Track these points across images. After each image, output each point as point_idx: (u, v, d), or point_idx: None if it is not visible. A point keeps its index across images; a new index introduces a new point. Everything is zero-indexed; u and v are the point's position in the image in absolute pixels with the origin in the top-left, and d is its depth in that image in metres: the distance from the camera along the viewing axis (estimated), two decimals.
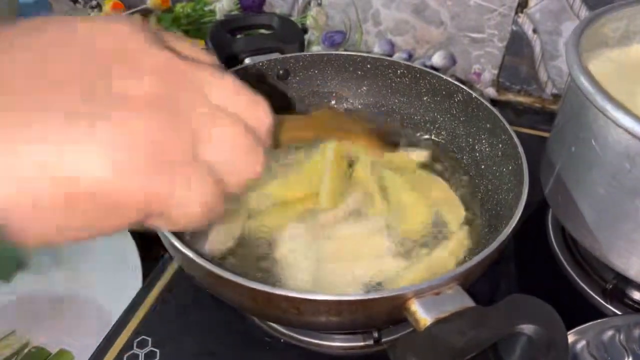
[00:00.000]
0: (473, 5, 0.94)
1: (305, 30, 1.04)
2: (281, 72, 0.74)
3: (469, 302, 0.43)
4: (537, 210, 0.74)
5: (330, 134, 0.60)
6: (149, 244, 0.71)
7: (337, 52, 0.75)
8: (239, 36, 0.77)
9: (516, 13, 0.93)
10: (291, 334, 0.60)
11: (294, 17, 1.07)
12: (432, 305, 0.43)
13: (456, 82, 0.69)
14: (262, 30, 0.80)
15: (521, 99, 1.01)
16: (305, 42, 1.02)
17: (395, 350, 0.39)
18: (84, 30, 0.27)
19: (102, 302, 0.68)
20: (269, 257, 0.58)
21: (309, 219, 0.61)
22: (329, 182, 0.63)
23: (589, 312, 0.62)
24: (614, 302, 0.63)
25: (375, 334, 0.57)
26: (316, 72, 0.75)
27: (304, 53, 0.74)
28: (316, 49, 1.03)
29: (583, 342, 0.55)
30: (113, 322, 0.62)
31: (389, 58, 0.74)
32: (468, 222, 0.61)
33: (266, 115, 0.33)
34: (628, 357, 0.53)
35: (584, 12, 0.88)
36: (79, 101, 0.25)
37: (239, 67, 0.71)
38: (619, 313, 0.62)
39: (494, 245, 0.47)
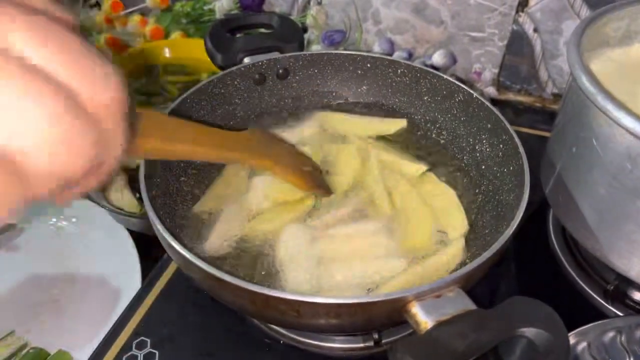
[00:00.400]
0: (473, 4, 0.94)
1: (304, 29, 1.04)
2: (281, 71, 0.73)
3: (470, 305, 0.43)
4: (537, 210, 0.74)
5: (250, 160, 0.55)
6: (148, 245, 0.71)
7: (336, 52, 0.75)
8: (238, 35, 0.77)
9: (517, 12, 0.93)
10: (291, 335, 0.59)
11: (294, 16, 1.06)
12: (433, 308, 0.42)
13: (457, 82, 0.68)
14: (262, 30, 0.80)
15: (521, 98, 1.01)
16: (305, 41, 1.02)
17: (396, 353, 0.39)
18: None
19: (101, 303, 0.68)
20: (269, 258, 0.57)
21: (310, 220, 0.60)
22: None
23: (590, 313, 0.62)
24: (615, 303, 0.63)
25: (376, 336, 0.57)
26: (316, 71, 0.75)
27: (304, 52, 0.74)
28: (316, 48, 1.03)
29: (584, 344, 0.55)
30: (112, 323, 0.61)
31: (389, 57, 0.74)
32: (469, 230, 0.61)
33: (114, 91, 0.25)
34: (629, 359, 0.53)
35: (584, 11, 0.88)
36: None
37: (238, 66, 0.70)
38: (620, 314, 0.62)
39: (495, 247, 0.47)
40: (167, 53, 1.06)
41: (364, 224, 0.60)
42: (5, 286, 0.70)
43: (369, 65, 0.74)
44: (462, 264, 0.57)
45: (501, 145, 0.62)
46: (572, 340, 0.55)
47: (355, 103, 0.77)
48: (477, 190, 0.65)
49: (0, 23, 0.22)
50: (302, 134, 0.71)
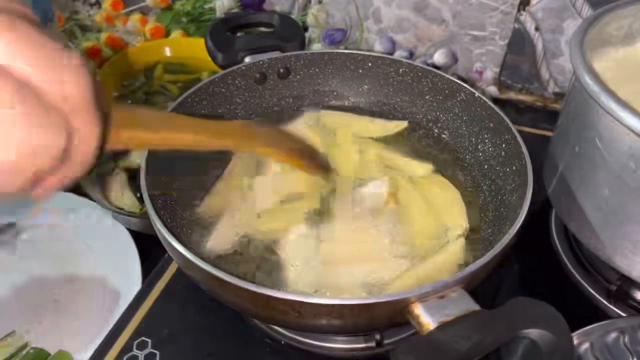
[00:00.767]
0: (475, 3, 0.93)
1: (305, 28, 1.04)
2: (282, 70, 0.73)
3: (473, 306, 0.42)
4: (539, 209, 0.73)
5: (246, 144, 0.53)
6: (149, 245, 0.70)
7: (338, 51, 0.75)
8: (239, 34, 0.77)
9: (518, 11, 0.92)
10: (292, 335, 0.59)
11: (294, 15, 1.06)
12: (436, 309, 0.42)
13: (459, 81, 0.68)
14: (263, 29, 0.80)
15: (523, 97, 1.01)
16: (306, 40, 1.02)
17: (398, 355, 0.39)
18: None
19: (101, 303, 0.67)
20: (272, 259, 0.57)
21: (313, 220, 0.60)
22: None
23: (592, 314, 0.62)
24: (618, 304, 0.63)
25: (378, 336, 0.56)
26: (317, 70, 0.75)
27: (305, 51, 0.74)
28: (317, 47, 1.02)
29: (587, 344, 0.54)
30: (113, 323, 0.61)
31: (390, 56, 0.73)
32: (470, 229, 0.61)
33: (77, 81, 0.24)
34: (632, 359, 0.53)
35: (586, 10, 0.87)
36: None
37: (239, 65, 0.70)
38: (623, 314, 0.62)
39: (498, 248, 0.46)
40: (167, 52, 1.05)
41: (366, 224, 0.60)
42: (5, 286, 0.70)
43: (370, 64, 0.74)
44: (464, 263, 0.57)
45: (504, 145, 0.62)
46: (575, 341, 0.54)
47: (357, 102, 0.76)
48: (479, 190, 0.64)
49: None
50: (301, 133, 0.71)
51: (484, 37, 0.97)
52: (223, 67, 0.70)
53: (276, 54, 0.72)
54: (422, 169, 0.67)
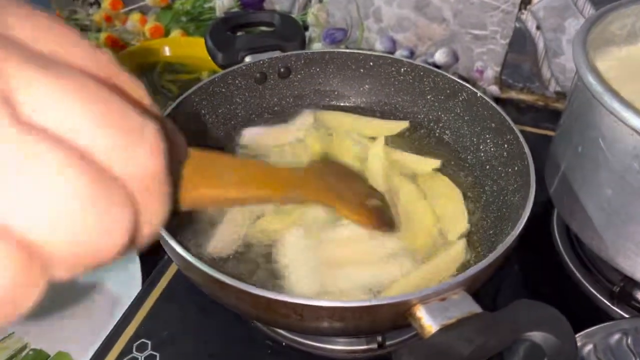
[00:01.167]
0: (476, 2, 0.93)
1: (306, 28, 1.03)
2: (282, 70, 0.72)
3: (475, 308, 0.42)
4: (542, 210, 0.73)
5: (311, 198, 0.46)
6: (149, 246, 0.70)
7: (338, 50, 0.74)
8: (239, 34, 0.76)
9: (519, 10, 0.92)
10: (293, 337, 0.59)
11: (295, 14, 1.06)
12: (438, 311, 0.42)
13: (460, 81, 0.68)
14: (263, 28, 0.79)
15: (524, 96, 1.00)
16: (306, 40, 1.01)
17: (400, 358, 0.38)
18: None
19: (101, 304, 0.67)
20: (273, 261, 0.57)
21: (313, 223, 0.60)
22: None
23: (595, 315, 0.62)
24: (621, 305, 0.62)
25: (379, 338, 0.56)
26: (318, 70, 0.74)
27: (305, 51, 0.73)
28: (317, 46, 1.02)
29: (590, 346, 0.54)
30: (112, 325, 0.61)
31: (391, 56, 0.73)
32: (472, 230, 0.60)
33: (153, 159, 0.19)
34: None
35: (588, 9, 0.87)
36: None
37: (239, 65, 0.70)
38: (627, 316, 0.61)
39: (501, 249, 0.46)
40: (167, 51, 1.05)
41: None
42: None
43: (371, 63, 0.73)
44: (466, 264, 0.56)
45: (506, 145, 0.62)
46: (577, 343, 0.54)
47: (358, 102, 0.76)
48: (481, 191, 0.64)
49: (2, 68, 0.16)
50: (301, 132, 0.71)
51: (485, 36, 0.96)
52: (223, 67, 0.70)
53: (276, 54, 0.72)
54: (430, 164, 0.67)
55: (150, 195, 0.20)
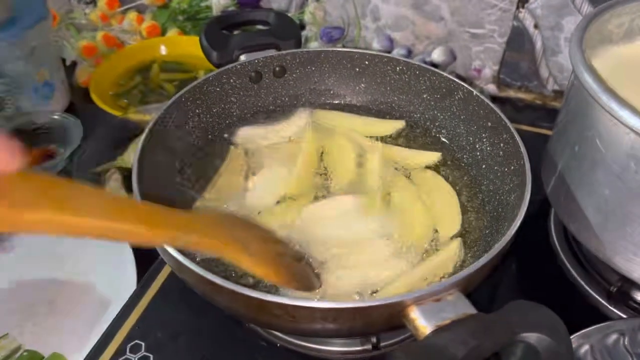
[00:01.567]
0: (473, 1, 0.92)
1: (303, 26, 1.03)
2: (277, 69, 0.72)
3: (470, 309, 0.42)
4: (539, 209, 0.72)
5: (205, 243, 0.44)
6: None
7: (334, 49, 0.74)
8: (236, 32, 0.76)
9: (517, 8, 0.91)
10: (288, 338, 0.58)
11: (292, 13, 1.05)
12: (432, 312, 0.41)
13: (456, 80, 0.67)
14: (260, 27, 0.79)
15: (522, 95, 1.00)
16: (303, 38, 1.01)
17: None
18: None
19: (96, 305, 0.67)
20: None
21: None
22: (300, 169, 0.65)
23: (592, 315, 0.61)
24: (618, 305, 0.62)
25: (374, 339, 0.56)
26: (313, 69, 0.74)
27: (301, 50, 0.73)
28: (314, 45, 1.01)
29: (587, 347, 0.53)
30: (107, 326, 0.60)
31: (387, 54, 0.73)
32: (468, 230, 0.60)
33: None
34: None
35: (585, 7, 0.86)
36: None
37: (234, 64, 0.69)
38: (624, 316, 0.61)
39: (495, 250, 0.45)
40: (163, 50, 1.05)
41: (361, 224, 0.59)
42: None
43: (367, 62, 0.73)
44: (462, 264, 0.56)
45: (502, 144, 0.61)
46: (574, 343, 0.53)
47: (353, 101, 0.76)
48: (477, 190, 0.64)
49: None
50: (296, 131, 0.70)
51: (483, 34, 0.96)
52: (218, 66, 0.70)
53: (272, 52, 0.71)
54: (430, 157, 0.67)
55: None
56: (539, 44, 0.94)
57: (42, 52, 0.89)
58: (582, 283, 0.64)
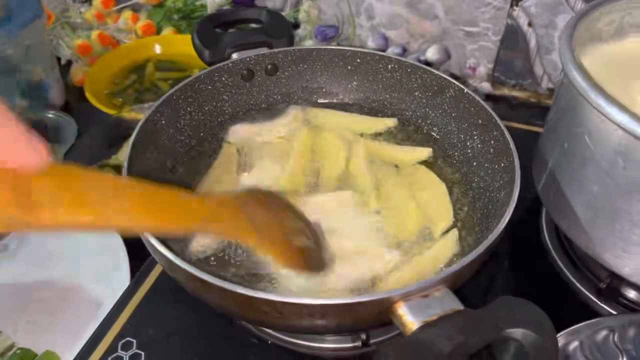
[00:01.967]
0: None
1: (297, 25, 1.03)
2: (269, 67, 0.72)
3: (457, 305, 0.42)
4: (530, 206, 0.72)
5: (225, 232, 0.45)
6: (138, 244, 0.69)
7: (326, 47, 0.74)
8: (230, 31, 0.76)
9: (511, 6, 0.91)
10: (279, 335, 0.58)
11: (286, 12, 1.05)
12: (419, 308, 0.41)
13: (448, 77, 0.67)
14: (253, 25, 0.79)
15: (516, 93, 1.00)
16: (298, 37, 1.01)
17: (381, 355, 0.38)
18: None
19: (89, 303, 0.67)
20: (259, 259, 0.56)
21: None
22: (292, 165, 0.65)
23: (582, 311, 0.61)
24: (608, 301, 0.62)
25: (363, 336, 0.56)
26: (305, 67, 0.74)
27: (293, 48, 0.73)
28: (309, 43, 1.01)
29: (576, 343, 0.54)
30: (98, 324, 0.60)
31: (379, 52, 0.73)
32: (458, 227, 0.60)
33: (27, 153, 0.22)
34: (622, 358, 0.52)
35: (579, 5, 0.86)
36: None
37: (226, 62, 0.69)
38: (614, 312, 0.61)
39: (483, 247, 0.46)
40: (158, 49, 1.05)
41: (352, 220, 0.59)
42: None
43: (359, 60, 0.73)
44: (451, 260, 0.56)
45: (492, 142, 0.61)
46: (564, 340, 0.54)
47: (345, 99, 0.76)
48: (468, 187, 0.64)
49: None
50: (289, 129, 0.70)
51: (477, 32, 0.96)
52: (210, 64, 0.70)
53: (264, 51, 0.71)
54: (421, 153, 0.67)
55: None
56: (533, 42, 0.94)
57: (36, 51, 0.89)
58: (573, 280, 0.65)
